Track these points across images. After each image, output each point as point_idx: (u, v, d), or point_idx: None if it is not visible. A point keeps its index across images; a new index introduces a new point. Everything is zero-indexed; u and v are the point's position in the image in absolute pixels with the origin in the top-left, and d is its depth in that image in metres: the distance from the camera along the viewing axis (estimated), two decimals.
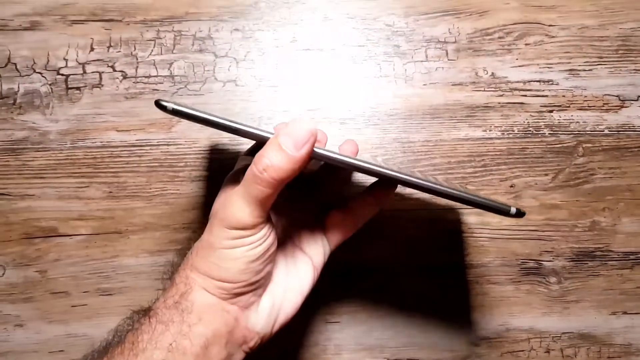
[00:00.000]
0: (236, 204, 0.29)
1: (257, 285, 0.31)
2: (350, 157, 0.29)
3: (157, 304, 0.30)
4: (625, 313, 0.45)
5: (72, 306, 0.44)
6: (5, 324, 0.44)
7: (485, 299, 0.45)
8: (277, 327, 0.33)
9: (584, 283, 0.45)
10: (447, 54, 0.47)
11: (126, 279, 0.44)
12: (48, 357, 0.43)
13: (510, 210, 0.29)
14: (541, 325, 0.45)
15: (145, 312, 0.30)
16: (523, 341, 0.44)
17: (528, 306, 0.45)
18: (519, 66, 0.47)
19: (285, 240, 0.35)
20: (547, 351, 0.44)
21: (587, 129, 0.46)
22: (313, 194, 0.38)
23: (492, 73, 0.47)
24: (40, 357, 0.43)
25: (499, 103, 0.47)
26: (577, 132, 0.46)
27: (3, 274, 0.44)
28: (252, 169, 0.28)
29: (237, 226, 0.29)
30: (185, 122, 0.46)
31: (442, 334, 0.45)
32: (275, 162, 0.28)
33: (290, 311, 0.33)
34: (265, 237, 0.30)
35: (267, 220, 0.30)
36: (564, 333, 0.44)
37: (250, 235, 0.29)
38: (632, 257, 0.45)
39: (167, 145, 0.46)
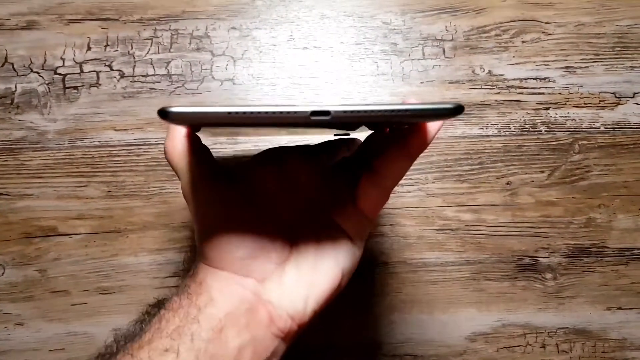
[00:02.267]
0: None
1: (261, 247, 0.28)
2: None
3: (177, 295, 0.28)
4: (620, 308, 0.45)
5: (72, 305, 0.44)
6: (6, 322, 0.44)
7: (481, 295, 0.45)
8: (311, 305, 0.28)
9: (579, 279, 0.45)
10: (444, 51, 0.47)
11: (125, 278, 0.45)
12: (49, 355, 0.44)
13: (448, 108, 0.22)
14: (537, 321, 0.45)
15: (158, 304, 0.29)
16: (519, 336, 0.45)
17: (524, 302, 0.45)
18: (516, 64, 0.47)
19: (317, 213, 0.30)
20: (543, 346, 0.45)
21: (583, 126, 0.47)
22: (345, 166, 0.34)
23: (489, 71, 0.47)
24: (40, 356, 0.44)
25: (496, 101, 0.47)
26: (573, 130, 0.47)
27: (3, 273, 0.44)
28: None
29: (175, 164, 0.29)
30: None
31: (439, 330, 0.45)
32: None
33: (325, 285, 0.28)
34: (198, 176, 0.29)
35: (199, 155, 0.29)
36: (559, 328, 0.45)
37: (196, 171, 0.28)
38: (627, 253, 0.46)
39: None
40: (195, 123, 0.22)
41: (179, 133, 0.29)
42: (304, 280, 0.28)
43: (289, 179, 0.30)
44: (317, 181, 0.31)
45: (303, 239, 0.29)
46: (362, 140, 0.34)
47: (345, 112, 0.21)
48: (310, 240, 0.29)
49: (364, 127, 0.31)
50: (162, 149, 0.46)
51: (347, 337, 0.45)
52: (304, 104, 0.21)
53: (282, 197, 0.30)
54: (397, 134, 0.29)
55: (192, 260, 0.31)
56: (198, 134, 0.30)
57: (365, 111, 0.21)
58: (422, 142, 0.28)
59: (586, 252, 0.46)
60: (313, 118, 0.21)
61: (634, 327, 0.45)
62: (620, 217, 0.46)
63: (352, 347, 0.45)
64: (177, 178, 0.45)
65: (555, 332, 0.45)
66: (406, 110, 0.22)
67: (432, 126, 0.27)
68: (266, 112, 0.21)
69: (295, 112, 0.21)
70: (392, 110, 0.22)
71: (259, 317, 0.27)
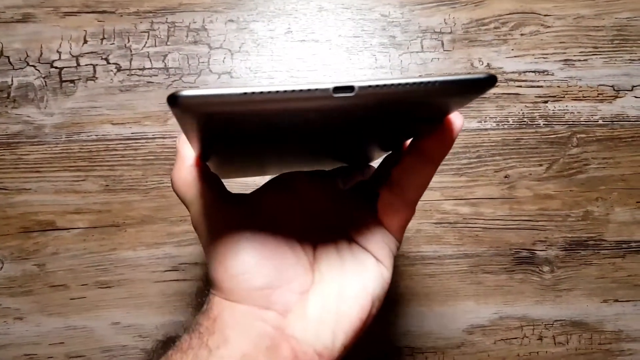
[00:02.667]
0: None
1: (280, 276, 0.26)
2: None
3: (184, 331, 0.26)
4: (616, 301, 0.46)
5: (71, 299, 0.44)
6: (5, 317, 0.44)
7: (479, 288, 0.46)
8: (340, 339, 0.25)
9: (576, 272, 0.46)
10: (442, 44, 0.47)
11: (124, 272, 0.45)
12: (48, 349, 0.44)
13: (482, 78, 0.20)
14: (534, 313, 0.45)
15: (167, 342, 0.27)
16: (516, 329, 0.45)
17: (521, 295, 0.45)
18: (515, 57, 0.47)
19: (337, 236, 0.29)
20: (540, 338, 0.45)
21: (582, 119, 0.47)
22: (363, 188, 0.32)
23: (488, 64, 0.47)
24: (40, 349, 0.44)
25: (494, 94, 0.47)
26: (571, 123, 0.47)
27: (1, 267, 0.44)
28: None
29: (185, 194, 0.27)
30: None
31: (437, 323, 0.45)
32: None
33: (354, 315, 0.26)
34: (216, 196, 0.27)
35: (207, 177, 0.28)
36: (556, 320, 0.45)
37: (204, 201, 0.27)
38: (624, 245, 0.46)
39: (163, 138, 0.46)
40: (207, 110, 0.20)
41: (187, 161, 0.28)
42: (330, 310, 0.26)
43: (304, 203, 0.29)
44: (334, 204, 0.30)
45: (325, 265, 0.27)
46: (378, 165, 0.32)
47: (370, 86, 0.19)
48: (333, 266, 0.27)
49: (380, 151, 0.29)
50: (160, 143, 0.46)
51: None
52: (324, 82, 0.19)
53: (298, 222, 0.28)
54: (417, 140, 0.26)
55: (204, 292, 0.29)
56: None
57: (393, 84, 0.19)
58: (445, 142, 0.25)
59: (583, 245, 0.46)
60: (336, 95, 0.18)
61: (629, 320, 0.45)
62: (618, 210, 0.46)
63: None
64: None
65: (552, 324, 0.45)
66: (441, 82, 0.19)
67: (456, 122, 0.24)
68: (285, 91, 0.18)
69: (316, 90, 0.18)
70: (424, 83, 0.19)
71: (281, 355, 0.24)
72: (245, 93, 0.18)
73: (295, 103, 0.19)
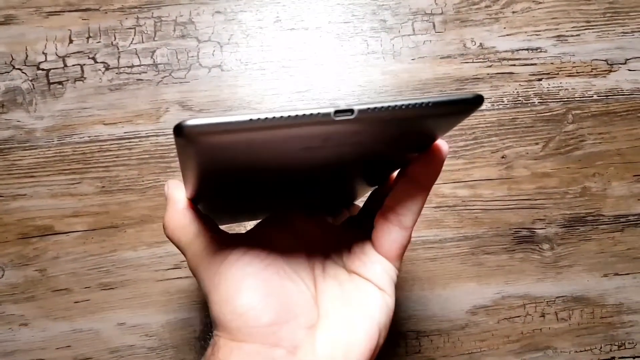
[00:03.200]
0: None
1: (286, 311, 0.25)
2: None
3: None
4: (616, 274, 0.46)
5: (75, 302, 0.44)
6: (10, 323, 0.44)
7: (481, 269, 0.46)
8: None
9: (576, 248, 0.46)
10: (434, 26, 0.47)
11: (126, 273, 0.45)
12: (55, 353, 0.44)
13: (470, 98, 0.21)
14: (536, 291, 0.46)
15: None
16: (519, 307, 0.46)
17: (522, 273, 0.46)
18: (507, 35, 0.47)
19: (337, 268, 0.29)
20: (542, 315, 0.46)
21: (576, 95, 0.46)
22: (354, 222, 0.34)
23: (480, 44, 0.46)
24: (47, 354, 0.44)
25: (488, 74, 0.46)
26: (566, 99, 0.46)
27: (2, 275, 0.44)
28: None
29: (184, 239, 0.27)
30: (172, 111, 0.45)
31: (441, 306, 0.46)
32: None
33: (363, 346, 0.26)
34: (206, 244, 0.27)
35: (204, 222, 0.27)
36: (558, 297, 0.46)
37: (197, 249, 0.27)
38: (622, 219, 0.46)
39: (157, 136, 0.45)
40: (212, 140, 0.20)
41: (179, 205, 0.28)
42: (339, 345, 0.25)
43: (301, 238, 0.29)
44: (330, 237, 0.30)
45: (328, 298, 0.27)
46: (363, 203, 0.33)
47: (369, 109, 0.20)
48: (337, 299, 0.27)
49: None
50: (154, 141, 0.45)
51: None
52: (325, 106, 0.20)
53: (298, 257, 0.28)
54: (407, 168, 0.27)
55: (206, 336, 0.28)
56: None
57: (390, 107, 0.20)
58: (435, 167, 0.26)
59: (582, 221, 0.46)
60: (337, 118, 0.19)
61: (630, 292, 0.46)
62: (615, 184, 0.46)
63: None
64: (171, 169, 0.45)
65: (554, 301, 0.46)
66: (437, 102, 0.21)
67: (443, 147, 0.25)
68: (289, 117, 0.19)
69: (318, 114, 0.19)
70: (417, 104, 0.20)
71: None
72: (251, 120, 0.19)
73: (298, 127, 0.19)
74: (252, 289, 0.25)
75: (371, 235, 0.28)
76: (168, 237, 0.28)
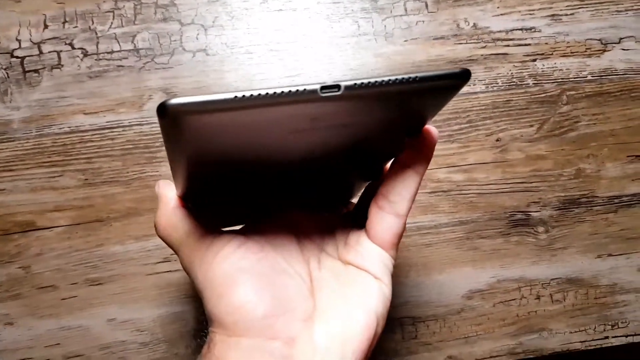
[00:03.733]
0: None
1: (282, 302, 0.25)
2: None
3: None
4: (610, 255, 0.46)
5: (62, 299, 0.43)
6: None
7: (476, 254, 0.46)
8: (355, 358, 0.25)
9: (570, 230, 0.46)
10: (426, 5, 0.45)
11: (115, 267, 0.43)
12: (44, 351, 0.43)
13: (457, 73, 0.21)
14: (531, 274, 0.46)
15: None
16: (514, 290, 0.46)
17: (518, 257, 0.46)
18: (501, 14, 0.45)
19: (333, 261, 0.29)
20: (538, 297, 0.46)
21: (571, 76, 0.46)
22: (349, 215, 0.33)
23: (474, 24, 0.45)
24: (36, 353, 0.42)
25: (482, 55, 0.45)
26: (560, 80, 0.46)
27: None
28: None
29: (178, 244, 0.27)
30: (156, 99, 0.43)
31: (437, 291, 0.45)
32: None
33: (361, 337, 0.25)
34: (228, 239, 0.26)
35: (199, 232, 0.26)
36: (552, 279, 0.46)
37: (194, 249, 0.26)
38: (616, 200, 0.46)
39: (140, 125, 0.43)
40: (198, 123, 0.19)
41: (170, 203, 0.27)
42: (336, 336, 0.25)
43: (296, 230, 0.29)
44: (325, 230, 0.30)
45: (325, 290, 0.27)
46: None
47: (355, 85, 0.19)
48: (333, 290, 0.27)
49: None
50: (137, 131, 0.43)
51: None
52: (311, 83, 0.19)
53: (292, 250, 0.28)
54: (399, 156, 0.27)
55: (201, 334, 0.27)
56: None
57: (377, 82, 0.19)
58: (426, 151, 0.26)
59: (576, 203, 0.46)
60: (323, 94, 0.19)
61: (623, 272, 0.46)
62: (609, 165, 0.46)
63: None
64: (156, 160, 0.43)
65: (549, 283, 0.46)
66: (425, 77, 0.20)
67: (433, 131, 0.26)
68: (274, 93, 0.18)
69: (304, 91, 0.18)
70: (409, 79, 0.20)
71: None
72: (236, 97, 0.18)
73: (285, 105, 0.19)
74: (247, 283, 0.25)
75: (365, 226, 0.28)
76: (160, 236, 0.27)
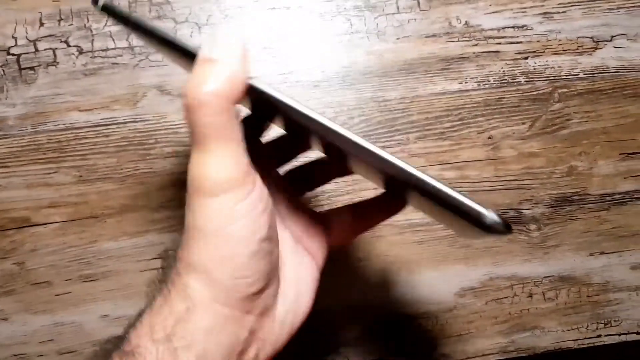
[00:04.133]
0: (201, 161, 0.21)
1: (272, 276, 0.24)
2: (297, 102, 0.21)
3: (139, 332, 0.22)
4: (602, 253, 0.46)
5: (56, 295, 0.43)
6: None
7: (468, 251, 0.46)
8: (289, 334, 0.26)
9: (562, 228, 0.46)
10: (418, 3, 0.45)
11: (108, 264, 0.43)
12: (38, 347, 0.43)
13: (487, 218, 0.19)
14: (523, 272, 0.46)
15: (120, 346, 0.21)
16: (506, 288, 0.46)
17: (510, 254, 0.46)
18: (493, 12, 0.46)
19: (285, 234, 0.28)
20: (530, 295, 0.46)
21: (562, 73, 0.46)
22: (310, 184, 0.33)
23: (466, 22, 0.45)
24: (29, 348, 0.43)
25: (474, 53, 0.45)
26: (552, 78, 0.46)
27: None
28: (186, 103, 0.21)
29: (219, 187, 0.21)
30: (150, 96, 0.44)
31: (428, 289, 0.45)
32: (207, 75, 0.21)
33: (305, 312, 0.27)
34: (260, 191, 0.23)
35: (249, 166, 0.22)
36: (545, 277, 0.46)
37: (243, 194, 0.22)
38: (608, 198, 0.46)
39: (134, 122, 0.44)
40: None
41: (239, 74, 0.21)
42: (290, 310, 0.26)
43: (272, 207, 0.27)
44: (290, 202, 0.29)
45: (286, 266, 0.27)
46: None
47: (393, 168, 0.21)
48: (290, 267, 0.27)
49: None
50: (131, 128, 0.44)
51: (339, 301, 0.45)
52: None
53: (274, 224, 0.26)
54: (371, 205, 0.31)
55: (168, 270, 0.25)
56: None
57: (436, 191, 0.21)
58: (392, 214, 0.31)
59: (568, 200, 0.46)
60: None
61: (615, 270, 0.46)
62: (601, 163, 0.46)
63: (344, 311, 0.45)
64: (150, 157, 0.44)
65: (541, 281, 0.46)
66: (453, 202, 0.21)
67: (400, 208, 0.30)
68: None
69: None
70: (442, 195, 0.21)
71: (247, 357, 0.24)
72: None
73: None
74: (254, 255, 0.22)
75: (323, 215, 0.30)
76: (190, 113, 0.21)
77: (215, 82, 0.20)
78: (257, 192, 0.22)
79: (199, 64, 0.21)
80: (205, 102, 0.20)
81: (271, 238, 0.23)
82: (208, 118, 0.20)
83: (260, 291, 0.23)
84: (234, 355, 0.23)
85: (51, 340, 0.43)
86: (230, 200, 0.21)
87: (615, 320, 0.46)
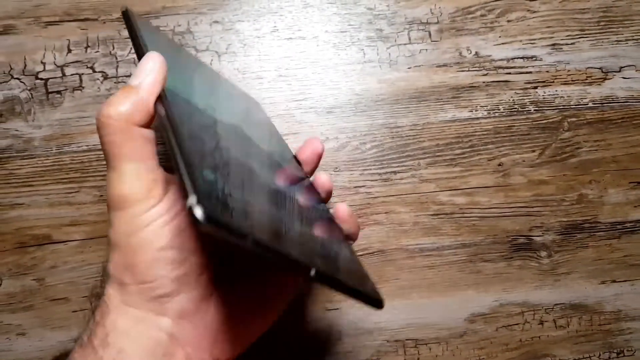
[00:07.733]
0: (108, 177, 0.24)
1: (183, 282, 0.25)
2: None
3: (80, 342, 0.25)
4: (614, 281, 0.46)
5: (73, 311, 0.44)
6: (8, 333, 0.44)
7: (479, 277, 0.46)
8: (243, 347, 0.27)
9: (573, 255, 0.46)
10: (430, 35, 0.47)
11: None
12: None
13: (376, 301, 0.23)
14: (534, 299, 0.46)
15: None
16: (517, 315, 0.46)
17: (520, 281, 0.46)
18: (502, 44, 0.47)
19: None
20: (541, 323, 0.46)
21: (572, 103, 0.47)
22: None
23: (476, 52, 0.47)
24: None
25: (484, 82, 0.47)
26: (562, 107, 0.47)
27: (0, 284, 0.44)
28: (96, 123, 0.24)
29: (122, 202, 0.23)
30: None
31: (439, 313, 0.46)
32: (114, 99, 0.23)
33: (265, 327, 0.28)
34: (167, 204, 0.24)
35: (155, 182, 0.24)
36: (556, 304, 0.46)
37: (146, 207, 0.24)
38: (619, 226, 0.46)
39: None
40: None
41: (150, 93, 0.24)
42: (225, 324, 0.26)
43: None
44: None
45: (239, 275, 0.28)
46: None
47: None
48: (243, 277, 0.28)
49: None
50: None
51: (349, 324, 0.46)
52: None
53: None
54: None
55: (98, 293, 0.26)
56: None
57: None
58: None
59: (579, 228, 0.46)
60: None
61: (627, 299, 0.46)
62: (611, 191, 0.47)
63: (354, 333, 0.46)
64: None
65: (552, 308, 0.46)
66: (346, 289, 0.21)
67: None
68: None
69: None
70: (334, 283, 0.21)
71: None
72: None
73: None
74: (169, 260, 0.24)
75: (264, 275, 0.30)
76: (102, 128, 0.24)
77: (116, 105, 0.23)
78: (162, 205, 0.24)
79: (120, 90, 0.24)
80: (105, 123, 0.23)
81: (180, 247, 0.24)
82: (109, 137, 0.23)
83: (167, 295, 0.24)
84: (162, 357, 0.24)
85: (66, 355, 0.44)
86: (132, 214, 0.24)
87: (628, 350, 0.45)
